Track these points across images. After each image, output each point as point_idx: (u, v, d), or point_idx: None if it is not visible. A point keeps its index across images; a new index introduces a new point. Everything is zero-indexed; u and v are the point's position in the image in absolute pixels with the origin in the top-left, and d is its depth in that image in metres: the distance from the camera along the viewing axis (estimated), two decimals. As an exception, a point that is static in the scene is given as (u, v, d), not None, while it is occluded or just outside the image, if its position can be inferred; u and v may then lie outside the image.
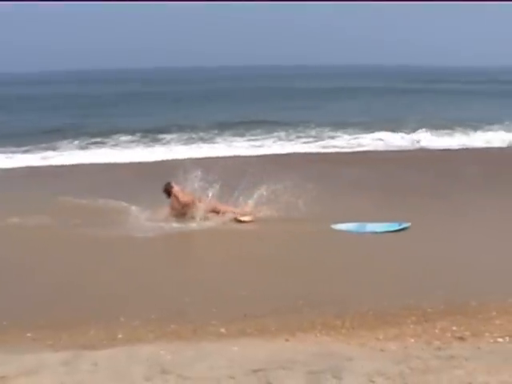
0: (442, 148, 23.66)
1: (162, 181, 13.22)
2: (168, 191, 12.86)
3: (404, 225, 11.76)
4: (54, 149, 23.83)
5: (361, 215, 12.59)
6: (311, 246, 11.04)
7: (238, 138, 26.21)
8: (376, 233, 11.65)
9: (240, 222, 12.65)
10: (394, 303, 7.96)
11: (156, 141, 26.06)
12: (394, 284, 8.85)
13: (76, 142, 25.47)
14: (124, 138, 26.44)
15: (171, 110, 40.45)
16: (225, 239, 11.79)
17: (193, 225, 12.55)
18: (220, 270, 9.84)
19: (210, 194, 12.86)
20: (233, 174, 13.23)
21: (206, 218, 12.71)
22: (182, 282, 9.15)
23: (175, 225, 12.59)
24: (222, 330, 7.23)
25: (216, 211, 12.75)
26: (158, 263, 10.58)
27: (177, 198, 12.78)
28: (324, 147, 24.25)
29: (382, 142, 24.79)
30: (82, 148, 24.53)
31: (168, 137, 26.81)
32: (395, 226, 11.75)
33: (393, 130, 26.39)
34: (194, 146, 24.85)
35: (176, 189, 12.84)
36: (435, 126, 27.76)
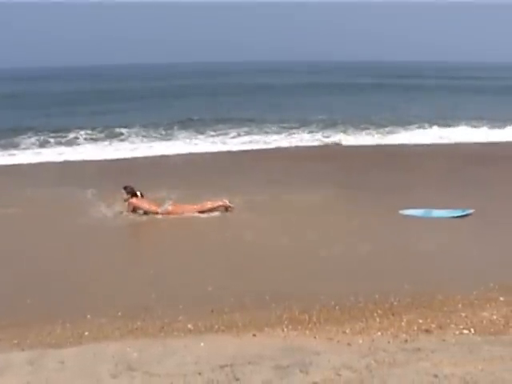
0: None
1: (119, 177, 13.25)
2: (132, 193, 12.85)
3: (467, 211, 12.18)
4: (15, 146, 23.45)
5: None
6: (274, 240, 11.02)
7: (199, 135, 25.82)
8: (442, 218, 12.03)
9: (227, 208, 12.78)
10: (360, 297, 8.00)
11: (113, 138, 25.54)
12: (360, 278, 8.88)
13: (35, 140, 24.89)
14: (83, 134, 25.94)
15: (136, 106, 39.91)
16: (190, 233, 11.78)
17: (158, 216, 12.60)
18: (186, 264, 9.77)
19: (172, 199, 12.96)
20: (189, 171, 13.31)
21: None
22: (148, 278, 9.09)
23: (141, 217, 12.66)
24: (189, 326, 7.21)
25: (179, 212, 12.75)
26: (124, 258, 10.54)
27: (142, 202, 12.84)
28: (288, 143, 24.07)
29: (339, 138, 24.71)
30: (41, 146, 23.95)
31: (127, 133, 26.39)
32: (459, 212, 12.18)
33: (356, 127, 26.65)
34: (153, 143, 24.47)
35: (139, 198, 12.89)
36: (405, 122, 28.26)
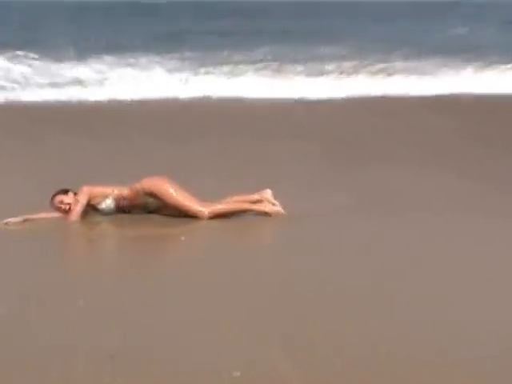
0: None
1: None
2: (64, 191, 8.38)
3: None
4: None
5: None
6: (347, 275, 6.48)
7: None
8: None
9: (265, 213, 8.07)
10: None
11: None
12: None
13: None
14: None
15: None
16: (198, 258, 7.14)
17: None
18: (193, 324, 5.12)
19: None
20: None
21: None
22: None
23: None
24: None
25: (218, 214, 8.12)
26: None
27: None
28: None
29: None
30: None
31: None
32: None
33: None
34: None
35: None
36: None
